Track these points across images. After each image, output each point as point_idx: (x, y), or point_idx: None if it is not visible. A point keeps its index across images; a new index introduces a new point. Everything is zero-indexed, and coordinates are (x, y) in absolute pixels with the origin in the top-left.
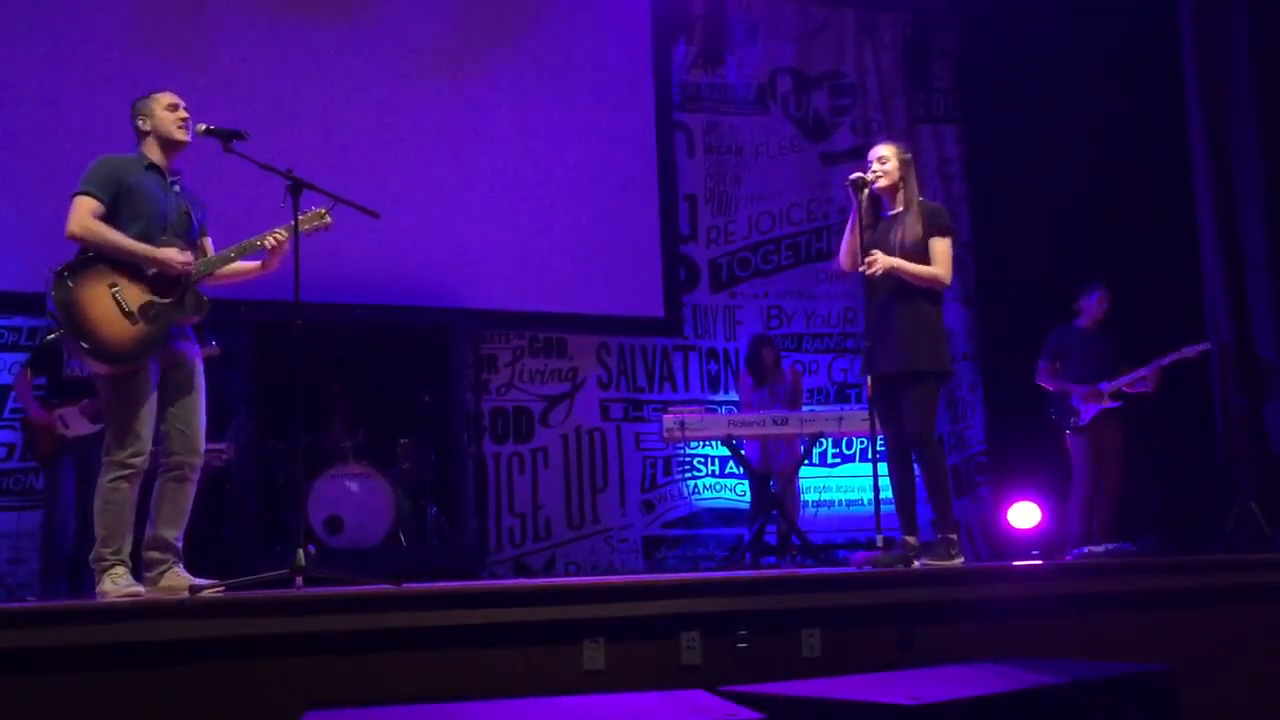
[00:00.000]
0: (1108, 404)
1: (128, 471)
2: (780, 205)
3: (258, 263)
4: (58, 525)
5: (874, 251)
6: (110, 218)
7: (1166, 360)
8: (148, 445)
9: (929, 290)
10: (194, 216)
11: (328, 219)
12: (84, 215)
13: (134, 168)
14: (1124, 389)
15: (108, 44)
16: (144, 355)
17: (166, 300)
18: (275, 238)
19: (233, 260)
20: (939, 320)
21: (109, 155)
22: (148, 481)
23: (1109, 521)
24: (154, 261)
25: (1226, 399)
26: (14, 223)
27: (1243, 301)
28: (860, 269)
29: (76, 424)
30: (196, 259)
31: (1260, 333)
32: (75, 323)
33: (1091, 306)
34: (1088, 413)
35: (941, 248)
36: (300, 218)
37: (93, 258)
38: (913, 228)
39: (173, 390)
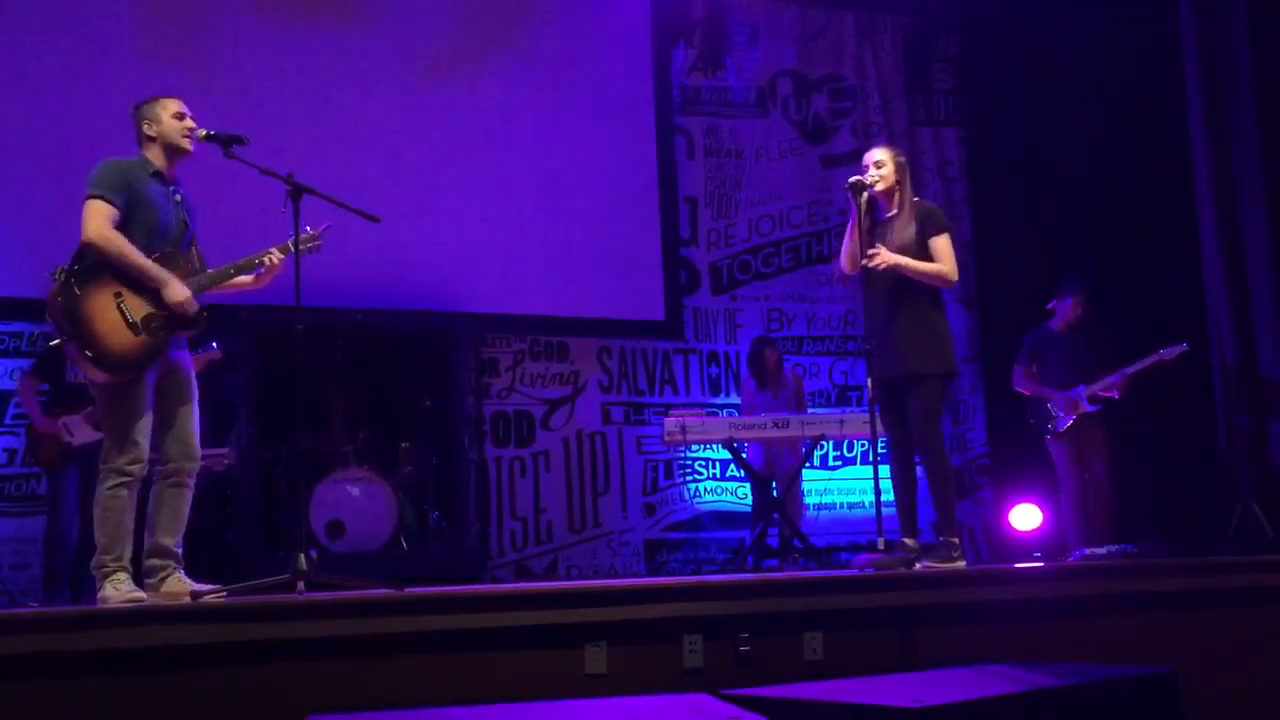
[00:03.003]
0: (1086, 409)
1: (126, 479)
2: (780, 208)
3: (252, 277)
4: (60, 531)
5: (877, 245)
6: (121, 224)
7: (1137, 367)
8: (146, 453)
9: (929, 291)
10: (190, 226)
11: (318, 243)
12: (103, 222)
13: (140, 173)
14: (1098, 393)
15: (109, 49)
16: (146, 366)
17: (167, 312)
18: (274, 258)
19: (232, 276)
20: (942, 321)
21: (115, 158)
22: (146, 488)
23: (1105, 523)
24: (160, 285)
25: (1228, 407)
26: (14, 227)
27: (1246, 310)
28: (862, 263)
29: (81, 432)
30: (194, 270)
31: (1264, 348)
32: (80, 330)
33: (1066, 310)
34: (1066, 418)
35: (942, 245)
36: (302, 233)
37: (98, 265)
38: (906, 228)
39: (167, 397)
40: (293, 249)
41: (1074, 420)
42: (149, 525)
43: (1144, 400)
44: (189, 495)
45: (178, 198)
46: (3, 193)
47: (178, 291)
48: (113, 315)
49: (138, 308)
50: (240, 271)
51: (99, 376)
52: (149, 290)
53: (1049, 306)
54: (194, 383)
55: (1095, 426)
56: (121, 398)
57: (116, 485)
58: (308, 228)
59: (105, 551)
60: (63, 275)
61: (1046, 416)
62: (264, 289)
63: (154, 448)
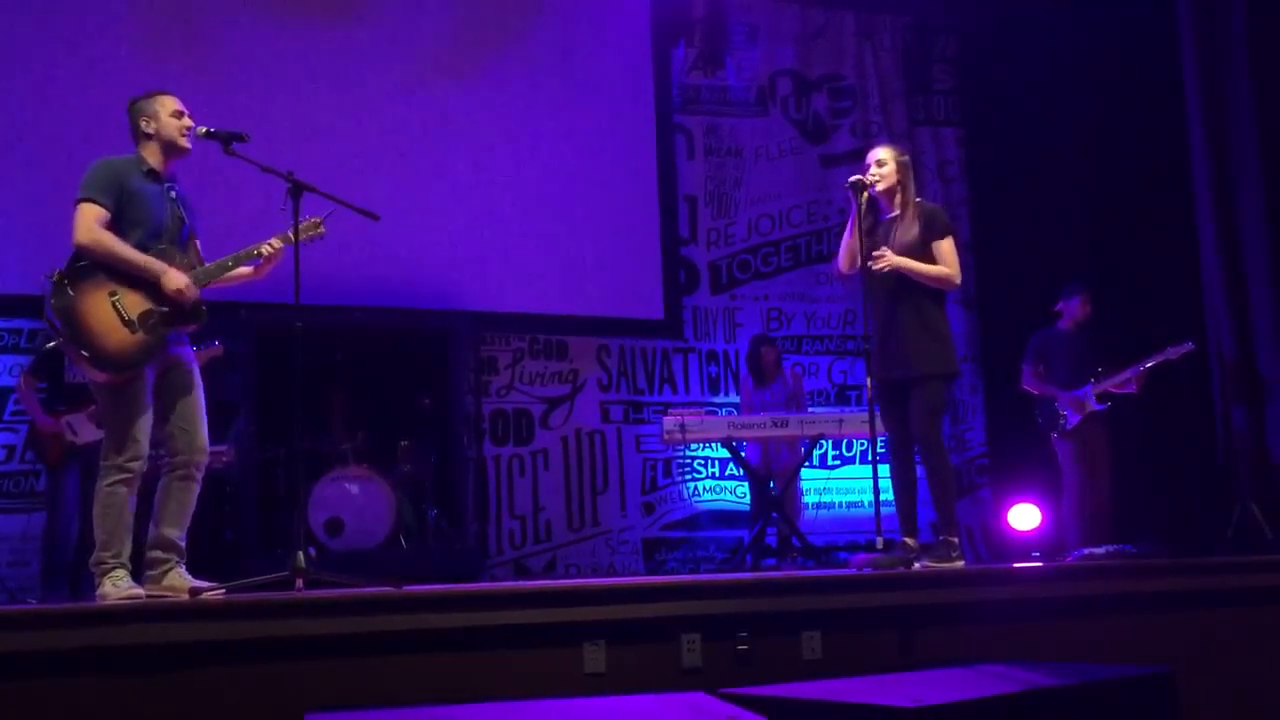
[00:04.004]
0: (1094, 408)
1: (126, 476)
2: (780, 208)
3: (251, 268)
4: (60, 528)
5: (882, 248)
6: (113, 224)
7: (1150, 362)
8: (145, 450)
9: (932, 292)
10: (187, 222)
11: (322, 230)
12: (92, 224)
13: (133, 172)
14: (1111, 390)
15: (108, 45)
16: (144, 363)
17: (165, 309)
18: (271, 247)
19: (231, 269)
20: (944, 321)
21: (108, 158)
22: (148, 484)
23: (1104, 523)
24: (156, 276)
25: (1226, 407)
26: (13, 225)
27: (1245, 311)
28: (868, 264)
29: (84, 430)
30: (193, 266)
31: (1262, 341)
32: (76, 331)
33: (1074, 310)
34: (1074, 417)
35: (946, 248)
36: (300, 223)
37: (92, 266)
38: (909, 229)
39: (171, 392)
40: (292, 239)
41: (1081, 419)
42: (154, 517)
43: (1144, 400)
44: (196, 489)
45: (173, 194)
46: (1, 190)
47: (175, 279)
48: (107, 314)
49: (134, 305)
50: (239, 263)
51: (99, 376)
52: (145, 287)
53: (1056, 308)
54: (198, 376)
55: (1101, 426)
56: (121, 396)
57: (116, 482)
58: (308, 215)
59: (104, 548)
60: (58, 277)
61: (1054, 415)
62: (263, 281)
63: (158, 443)
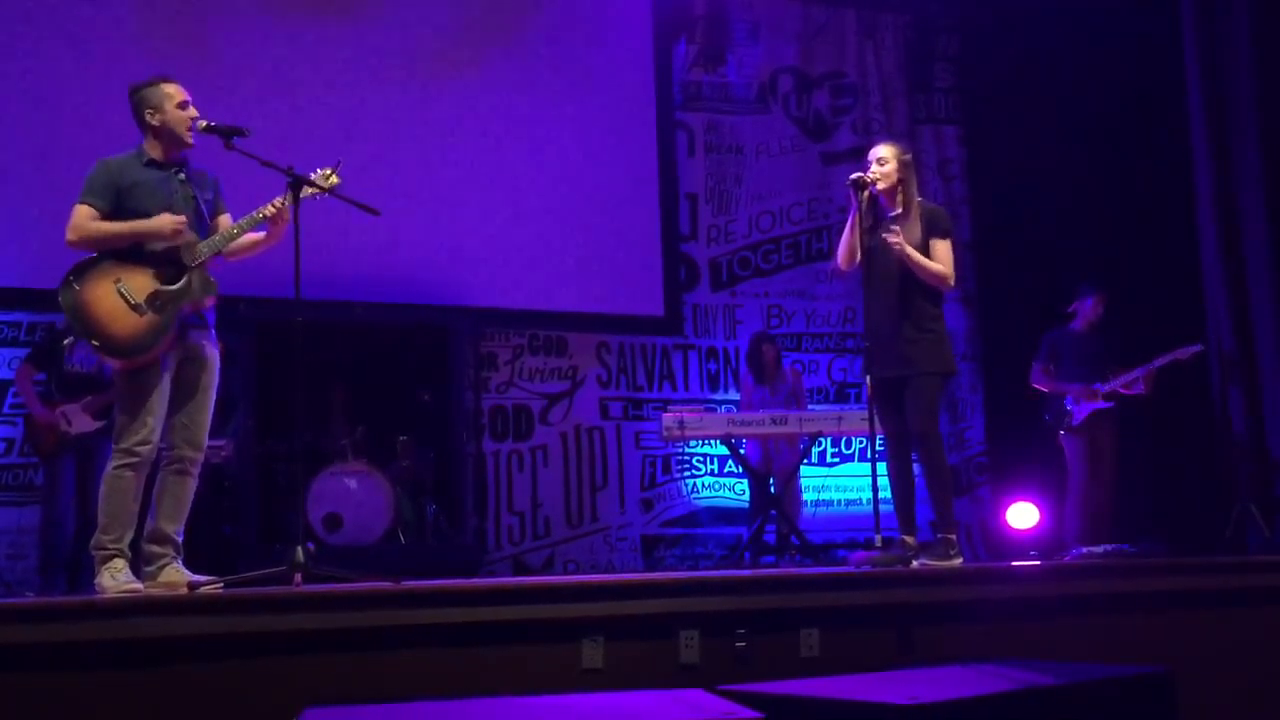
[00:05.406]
0: (1101, 404)
1: (133, 460)
2: (781, 205)
3: (262, 234)
4: (57, 521)
5: (894, 228)
6: (114, 219)
7: (1160, 362)
8: (156, 436)
9: (929, 292)
10: (200, 199)
11: (334, 179)
12: (81, 223)
13: (132, 166)
14: (1120, 390)
15: (109, 41)
16: (157, 344)
17: (173, 287)
18: (275, 206)
19: (237, 237)
20: (940, 321)
21: (106, 159)
22: (151, 475)
23: (1106, 521)
24: (149, 234)
25: (1226, 407)
26: (14, 219)
27: (1245, 312)
28: (876, 243)
29: (79, 422)
30: (207, 236)
31: (1262, 342)
32: (84, 322)
33: (1087, 310)
34: (1081, 413)
35: (943, 250)
36: (311, 176)
37: (96, 258)
38: (911, 229)
39: (185, 385)
40: (294, 200)
41: (1088, 416)
42: (151, 510)
43: (1147, 400)
44: (192, 484)
45: (181, 176)
46: (2, 184)
47: (163, 221)
48: (112, 301)
49: (140, 289)
50: (243, 230)
51: (115, 363)
52: (151, 268)
53: (1070, 308)
54: (215, 373)
55: (1107, 424)
56: (136, 380)
57: (122, 466)
58: (318, 169)
59: (105, 532)
60: (66, 276)
61: (1062, 412)
62: (266, 278)
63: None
